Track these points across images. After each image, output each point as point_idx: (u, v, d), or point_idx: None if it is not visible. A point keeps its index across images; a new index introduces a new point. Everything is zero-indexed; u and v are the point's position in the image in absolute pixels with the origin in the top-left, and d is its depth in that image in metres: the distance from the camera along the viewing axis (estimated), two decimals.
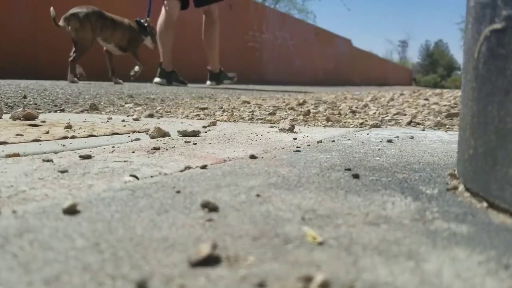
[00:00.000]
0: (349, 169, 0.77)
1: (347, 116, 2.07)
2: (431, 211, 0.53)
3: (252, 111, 2.26)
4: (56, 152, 0.92)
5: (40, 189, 0.60)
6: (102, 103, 2.52)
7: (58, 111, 2.13)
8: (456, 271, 0.36)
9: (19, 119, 1.48)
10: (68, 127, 1.31)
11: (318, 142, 1.15)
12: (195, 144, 1.09)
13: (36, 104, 2.28)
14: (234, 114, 2.11)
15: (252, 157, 0.89)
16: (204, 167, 0.78)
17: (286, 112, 2.26)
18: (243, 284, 0.33)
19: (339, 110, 2.34)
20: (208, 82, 4.88)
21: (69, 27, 3.96)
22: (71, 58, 4.01)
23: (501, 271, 0.36)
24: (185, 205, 0.53)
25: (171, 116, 2.04)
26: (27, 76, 4.09)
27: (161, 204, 0.53)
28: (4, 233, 0.42)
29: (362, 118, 1.96)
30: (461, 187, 0.62)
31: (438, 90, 6.37)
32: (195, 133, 1.27)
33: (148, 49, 5.07)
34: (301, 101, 2.97)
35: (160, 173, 0.73)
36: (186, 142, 1.12)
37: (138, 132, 1.33)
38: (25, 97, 2.43)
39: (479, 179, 0.56)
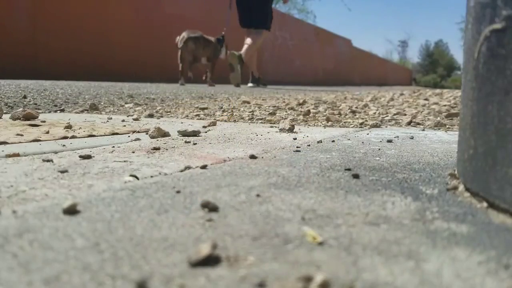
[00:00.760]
0: (349, 169, 0.77)
1: (347, 116, 2.07)
2: (431, 211, 0.53)
3: (252, 111, 2.26)
4: (56, 152, 0.92)
5: (40, 189, 0.60)
6: (102, 103, 2.52)
7: (58, 111, 2.13)
8: (456, 271, 0.36)
9: (19, 119, 1.48)
10: (68, 127, 1.31)
11: (318, 142, 1.15)
12: (195, 144, 1.09)
13: (36, 104, 2.28)
14: (234, 114, 2.11)
15: (252, 157, 0.89)
16: (204, 167, 0.78)
17: (286, 112, 2.26)
18: (243, 284, 0.33)
19: (339, 110, 2.34)
20: (249, 84, 6.04)
21: (187, 47, 5.44)
22: (180, 68, 5.56)
23: (501, 271, 0.36)
24: (185, 205, 0.53)
25: (171, 116, 2.04)
26: (27, 76, 4.10)
27: (161, 204, 0.53)
28: (4, 233, 0.42)
29: (362, 118, 1.96)
30: (461, 187, 0.62)
31: (438, 90, 6.37)
32: (195, 133, 1.27)
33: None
34: (301, 101, 2.97)
35: (160, 173, 0.73)
36: (186, 142, 1.12)
37: (138, 132, 1.33)
38: (25, 97, 2.43)
39: (479, 179, 0.56)
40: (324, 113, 2.14)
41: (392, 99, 3.45)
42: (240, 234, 0.43)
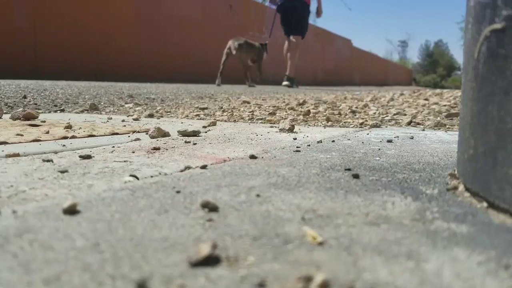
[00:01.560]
0: (349, 169, 0.77)
1: (347, 116, 2.07)
2: (431, 211, 0.53)
3: (252, 111, 2.26)
4: (56, 152, 0.92)
5: (40, 189, 0.60)
6: (102, 103, 2.52)
7: (58, 111, 2.13)
8: (456, 271, 0.36)
9: (19, 119, 1.48)
10: (68, 127, 1.31)
11: (318, 142, 1.15)
12: (195, 144, 1.09)
13: (36, 104, 2.28)
14: (234, 114, 2.11)
15: (252, 157, 0.89)
16: (204, 167, 0.77)
17: (286, 112, 2.26)
18: (243, 284, 0.33)
19: (339, 110, 2.34)
20: (284, 83, 6.57)
21: (239, 53, 6.19)
22: (220, 70, 6.27)
23: (501, 271, 0.36)
24: (185, 205, 0.53)
25: (171, 116, 2.04)
26: (27, 76, 4.10)
27: (161, 204, 0.53)
28: (4, 233, 0.42)
29: (362, 118, 1.96)
30: (461, 187, 0.62)
31: (438, 90, 6.36)
32: (195, 133, 1.27)
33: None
34: (301, 101, 2.97)
35: (160, 173, 0.73)
36: (186, 142, 1.12)
37: (138, 132, 1.33)
38: (25, 97, 2.43)
39: (479, 179, 0.56)
40: (324, 113, 2.14)
41: (392, 99, 3.45)
42: (240, 234, 0.43)
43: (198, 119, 1.92)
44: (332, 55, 14.50)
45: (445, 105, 2.70)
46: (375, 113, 2.23)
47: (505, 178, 0.51)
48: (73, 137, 1.16)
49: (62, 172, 0.71)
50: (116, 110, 2.27)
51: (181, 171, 0.75)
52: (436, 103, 2.90)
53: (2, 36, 5.26)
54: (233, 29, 9.65)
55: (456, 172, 0.70)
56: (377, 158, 0.90)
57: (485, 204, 0.54)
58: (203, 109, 2.36)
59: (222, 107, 2.49)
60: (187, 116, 2.03)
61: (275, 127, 1.58)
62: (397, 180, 0.69)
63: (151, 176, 0.70)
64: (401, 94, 4.40)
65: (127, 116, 1.90)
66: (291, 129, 1.41)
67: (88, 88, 3.17)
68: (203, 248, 0.37)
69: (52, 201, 0.54)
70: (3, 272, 0.33)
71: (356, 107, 2.56)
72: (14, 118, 1.48)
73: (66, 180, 0.66)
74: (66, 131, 1.26)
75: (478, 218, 0.50)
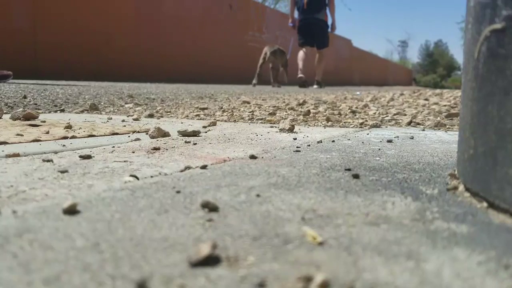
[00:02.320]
0: (349, 169, 0.77)
1: (347, 116, 2.07)
2: (431, 211, 0.53)
3: (252, 111, 2.26)
4: (56, 152, 0.92)
5: (40, 189, 0.60)
6: (102, 103, 2.52)
7: (58, 111, 2.13)
8: (456, 271, 0.36)
9: (19, 119, 1.48)
10: (68, 127, 1.31)
11: (318, 142, 1.15)
12: (195, 144, 1.09)
13: (36, 104, 2.28)
14: (234, 114, 2.11)
15: (252, 157, 0.89)
16: (204, 167, 0.78)
17: (286, 112, 2.26)
18: (243, 284, 0.33)
19: (339, 110, 2.34)
20: (315, 86, 7.35)
21: (274, 58, 7.18)
22: (272, 78, 7.46)
23: (501, 271, 0.36)
24: (185, 205, 0.53)
25: (171, 116, 2.04)
26: (27, 76, 4.10)
27: (161, 204, 0.53)
28: (4, 233, 0.42)
29: (362, 118, 1.96)
30: (461, 187, 0.62)
31: (438, 90, 6.36)
32: (195, 133, 1.27)
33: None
34: (301, 101, 2.97)
35: (160, 173, 0.73)
36: (186, 142, 1.12)
37: (138, 132, 1.33)
38: (25, 97, 2.43)
39: (479, 179, 0.56)
40: (324, 113, 2.14)
41: (392, 99, 3.45)
42: (240, 234, 0.43)
43: (198, 119, 1.92)
44: (332, 55, 14.50)
45: (445, 105, 2.70)
46: (375, 113, 2.23)
47: (505, 178, 0.51)
48: (73, 137, 1.16)
49: (62, 172, 0.71)
50: (116, 110, 2.27)
51: (181, 171, 0.75)
52: (436, 103, 2.90)
53: (2, 36, 5.26)
54: (233, 29, 9.64)
55: (456, 172, 0.70)
56: (377, 158, 0.90)
57: (485, 204, 0.54)
58: (203, 109, 2.36)
59: (222, 107, 2.49)
60: (187, 116, 2.03)
61: (275, 127, 1.58)
62: (397, 180, 0.69)
63: (151, 176, 0.70)
64: (401, 94, 4.40)
65: (127, 116, 1.90)
66: (291, 129, 1.41)
67: (88, 88, 3.17)
68: (203, 248, 0.37)
69: (52, 201, 0.54)
70: (3, 272, 0.33)
71: (356, 107, 2.56)
72: (14, 118, 1.48)
73: (66, 180, 0.66)
74: (66, 131, 1.26)
75: (478, 218, 0.50)
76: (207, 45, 8.68)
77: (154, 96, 3.09)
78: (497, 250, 0.40)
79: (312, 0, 6.55)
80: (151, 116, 1.95)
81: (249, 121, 1.83)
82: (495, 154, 0.52)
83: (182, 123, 1.71)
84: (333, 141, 1.18)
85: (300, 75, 7.02)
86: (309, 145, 1.08)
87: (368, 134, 1.39)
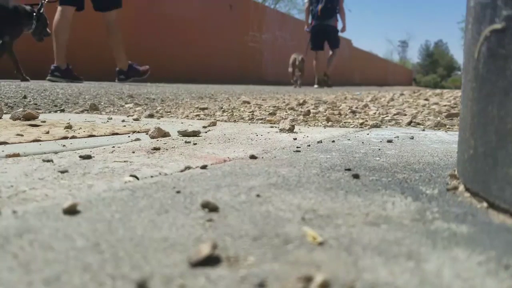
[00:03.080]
0: (349, 169, 0.77)
1: (347, 116, 2.07)
2: (431, 211, 0.53)
3: (252, 111, 2.26)
4: (56, 152, 0.92)
5: (40, 189, 0.60)
6: (102, 103, 2.52)
7: (58, 111, 2.13)
8: (456, 271, 0.36)
9: (19, 119, 1.48)
10: (68, 127, 1.31)
11: (318, 142, 1.15)
12: (195, 144, 1.09)
13: (36, 104, 2.28)
14: (234, 114, 2.11)
15: (252, 157, 0.89)
16: (204, 167, 0.78)
17: (286, 112, 2.26)
18: (243, 284, 0.33)
19: (339, 110, 2.34)
20: (324, 77, 8.31)
21: (301, 64, 7.94)
22: (295, 79, 8.20)
23: (501, 271, 0.36)
24: (185, 205, 0.53)
25: (171, 116, 2.04)
26: (27, 76, 4.10)
27: (161, 204, 0.53)
28: (4, 233, 0.42)
29: (362, 118, 1.96)
30: (461, 187, 0.62)
31: (438, 90, 6.37)
32: (195, 133, 1.27)
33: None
34: (301, 101, 2.97)
35: (160, 173, 0.73)
36: (186, 142, 1.12)
37: (138, 132, 1.33)
38: (25, 97, 2.43)
39: (479, 179, 0.56)
40: (324, 113, 2.14)
41: (392, 99, 3.45)
42: (240, 234, 0.43)
43: (198, 119, 1.92)
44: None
45: (445, 105, 2.70)
46: (375, 113, 2.23)
47: (505, 178, 0.51)
48: (73, 137, 1.16)
49: (62, 172, 0.71)
50: (116, 110, 2.27)
51: (181, 171, 0.75)
52: (436, 103, 2.90)
53: None
54: (233, 29, 9.65)
55: (456, 172, 0.70)
56: (377, 158, 0.90)
57: (485, 204, 0.54)
58: (203, 109, 2.36)
59: (222, 107, 2.49)
60: (187, 116, 2.03)
61: (275, 127, 1.58)
62: (397, 180, 0.69)
63: (151, 176, 0.70)
64: (401, 94, 4.40)
65: (127, 116, 1.90)
66: (291, 129, 1.41)
67: (88, 88, 3.17)
68: (203, 248, 0.37)
69: (52, 201, 0.54)
70: (3, 272, 0.33)
71: (356, 107, 2.56)
72: (14, 118, 1.48)
73: (66, 180, 0.66)
74: (66, 131, 1.26)
75: (478, 218, 0.50)
76: (207, 45, 8.68)
77: (154, 96, 3.09)
78: (497, 250, 0.40)
79: (325, 8, 7.59)
80: (151, 116, 1.95)
81: (249, 121, 1.83)
82: (495, 154, 0.52)
83: (182, 123, 1.71)
84: (333, 141, 1.18)
85: (318, 76, 8.40)
86: (309, 145, 1.08)
87: (368, 134, 1.39)
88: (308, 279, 0.32)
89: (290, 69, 8.26)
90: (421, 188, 0.65)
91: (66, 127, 1.31)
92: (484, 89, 0.55)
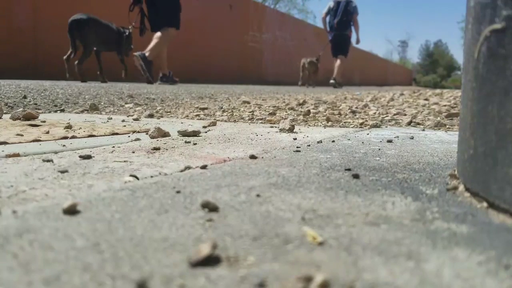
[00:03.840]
0: (349, 169, 0.77)
1: (347, 116, 2.07)
2: (431, 211, 0.53)
3: (252, 111, 2.26)
4: (56, 152, 0.92)
5: (40, 189, 0.60)
6: (102, 103, 2.52)
7: (58, 111, 2.13)
8: (456, 271, 0.36)
9: (19, 119, 1.48)
10: (68, 127, 1.31)
11: (318, 142, 1.15)
12: (195, 144, 1.09)
13: (36, 104, 2.28)
14: (234, 114, 2.11)
15: (252, 157, 0.89)
16: (204, 167, 0.78)
17: (286, 112, 2.26)
18: (243, 284, 0.33)
19: (339, 110, 2.34)
20: (331, 81, 8.96)
21: (309, 67, 8.94)
22: (302, 82, 9.16)
23: (501, 271, 0.36)
24: (185, 205, 0.53)
25: (171, 116, 2.04)
26: (27, 76, 4.10)
27: (161, 204, 0.53)
28: (4, 233, 0.42)
29: (362, 118, 1.96)
30: (461, 187, 0.62)
31: (438, 90, 6.37)
32: (195, 133, 1.27)
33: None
34: (301, 101, 2.97)
35: (160, 173, 0.73)
36: (186, 142, 1.12)
37: (138, 132, 1.33)
38: (25, 97, 2.43)
39: (479, 179, 0.56)
40: (324, 113, 2.14)
41: (392, 99, 3.45)
42: (240, 234, 0.43)
43: (198, 119, 1.92)
44: (332, 55, 14.49)
45: (445, 105, 2.70)
46: (375, 113, 2.23)
47: (505, 178, 0.51)
48: (73, 137, 1.16)
49: (62, 172, 0.71)
50: (116, 110, 2.27)
51: (181, 171, 0.75)
52: (436, 103, 2.90)
53: (2, 36, 5.26)
54: (233, 29, 9.65)
55: (456, 172, 0.70)
56: (377, 158, 0.90)
57: (485, 204, 0.54)
58: (203, 109, 2.36)
59: (222, 107, 2.49)
60: (187, 116, 2.03)
61: (275, 127, 1.58)
62: (397, 180, 0.69)
63: (151, 176, 0.70)
64: (401, 94, 4.40)
65: (127, 116, 1.90)
66: (291, 129, 1.41)
67: (88, 88, 3.17)
68: (203, 248, 0.37)
69: (52, 201, 0.54)
70: (3, 272, 0.33)
71: (356, 107, 2.56)
72: (14, 118, 1.48)
73: (66, 180, 0.66)
74: (66, 131, 1.26)
75: (478, 218, 0.50)
76: (207, 45, 8.68)
77: (154, 96, 3.09)
78: (497, 250, 0.40)
79: (340, 21, 8.70)
80: (151, 116, 1.95)
81: (249, 121, 1.83)
82: (495, 154, 0.52)
83: (182, 123, 1.71)
84: (333, 141, 1.18)
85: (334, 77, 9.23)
86: (309, 145, 1.08)
87: (368, 134, 1.39)
88: (308, 279, 0.32)
89: (300, 73, 9.30)
90: (421, 188, 0.65)
91: (66, 127, 1.31)
92: (484, 89, 0.55)
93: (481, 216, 0.51)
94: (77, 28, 4.67)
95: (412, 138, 1.28)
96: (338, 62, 9.10)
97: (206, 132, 1.38)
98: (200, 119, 1.92)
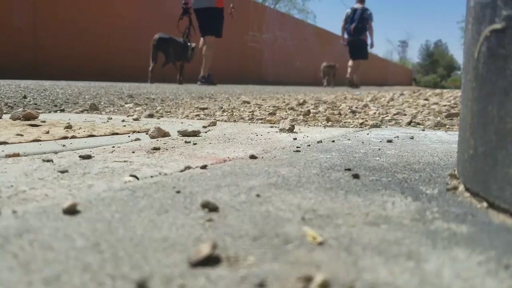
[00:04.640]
0: (349, 169, 0.77)
1: (347, 116, 2.07)
2: (431, 211, 0.53)
3: (252, 111, 2.26)
4: (56, 152, 0.92)
5: (40, 189, 0.60)
6: (102, 103, 2.52)
7: (58, 111, 2.13)
8: (456, 271, 0.36)
9: (19, 119, 1.48)
10: (68, 127, 1.31)
11: (318, 142, 1.15)
12: (195, 144, 1.09)
13: (36, 104, 2.28)
14: (234, 114, 2.11)
15: (252, 157, 0.89)
16: (204, 167, 0.78)
17: (286, 112, 2.26)
18: (243, 284, 0.33)
19: (339, 110, 2.34)
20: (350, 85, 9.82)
21: (328, 70, 10.88)
22: (327, 84, 10.86)
23: (501, 271, 0.36)
24: (185, 205, 0.53)
25: (171, 116, 2.04)
26: (27, 76, 4.10)
27: (161, 204, 0.53)
28: (4, 233, 0.42)
29: (362, 118, 1.96)
30: (461, 187, 0.62)
31: (438, 90, 6.37)
32: (195, 133, 1.27)
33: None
34: (301, 101, 2.97)
35: (160, 173, 0.73)
36: (186, 142, 1.12)
37: (138, 132, 1.33)
38: (25, 97, 2.43)
39: (479, 179, 0.56)
40: (324, 113, 2.14)
41: (392, 99, 3.45)
42: (240, 234, 0.43)
43: (198, 119, 1.92)
44: (332, 55, 14.50)
45: (445, 105, 2.70)
46: (375, 113, 2.23)
47: (505, 178, 0.51)
48: (73, 137, 1.16)
49: (62, 172, 0.71)
50: (116, 110, 2.27)
51: (181, 171, 0.75)
52: (436, 103, 2.90)
53: (2, 36, 5.26)
54: (233, 29, 9.65)
55: (456, 172, 0.70)
56: (377, 158, 0.90)
57: (485, 204, 0.54)
58: (203, 109, 2.36)
59: (222, 107, 2.49)
60: (187, 116, 2.03)
61: (275, 127, 1.58)
62: (397, 180, 0.69)
63: (151, 176, 0.70)
64: (401, 94, 4.40)
65: (127, 116, 1.90)
66: (291, 129, 1.41)
67: (88, 88, 3.17)
68: (203, 248, 0.37)
69: (52, 201, 0.54)
70: (3, 272, 0.33)
71: (356, 107, 2.56)
72: (14, 118, 1.48)
73: (66, 180, 0.66)
74: (66, 131, 1.26)
75: (478, 218, 0.50)
76: None
77: (154, 96, 3.09)
78: (497, 250, 0.40)
79: (356, 27, 9.43)
80: (151, 116, 1.95)
81: (249, 121, 1.83)
82: (495, 154, 0.52)
83: (182, 123, 1.71)
84: (333, 141, 1.18)
85: (347, 76, 9.96)
86: (309, 145, 1.08)
87: (368, 134, 1.39)
88: (308, 279, 0.32)
89: (321, 75, 10.96)
90: (421, 188, 0.65)
91: (66, 127, 1.31)
92: (484, 89, 0.55)
93: (481, 216, 0.51)
94: (162, 44, 5.99)
95: (412, 138, 1.28)
96: (350, 61, 9.91)
97: (206, 132, 1.38)
98: (200, 119, 1.92)
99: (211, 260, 0.36)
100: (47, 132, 1.19)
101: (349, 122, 1.81)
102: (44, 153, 0.91)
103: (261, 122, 1.79)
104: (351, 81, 9.88)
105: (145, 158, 0.88)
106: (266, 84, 9.30)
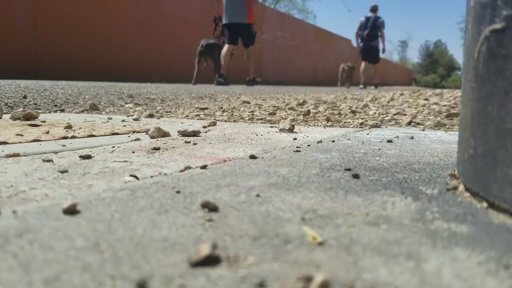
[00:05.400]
0: (349, 169, 0.77)
1: (347, 116, 2.07)
2: (431, 211, 0.53)
3: (252, 111, 2.26)
4: (56, 152, 0.92)
5: (40, 189, 0.60)
6: (102, 103, 2.52)
7: (58, 111, 2.13)
8: (456, 271, 0.36)
9: (19, 119, 1.48)
10: (68, 127, 1.31)
11: (318, 142, 1.15)
12: (195, 144, 1.09)
13: (36, 104, 2.28)
14: (234, 114, 2.11)
15: (252, 157, 0.89)
16: (204, 167, 0.78)
17: (286, 112, 2.26)
18: (243, 284, 0.33)
19: (339, 110, 2.34)
20: (372, 88, 10.14)
21: (348, 69, 11.79)
22: (347, 84, 11.30)
23: (501, 271, 0.36)
24: (185, 205, 0.53)
25: (171, 116, 2.04)
26: (27, 76, 4.10)
27: (161, 204, 0.53)
28: (4, 233, 0.42)
29: (362, 118, 1.96)
30: (461, 187, 0.62)
31: (438, 90, 6.37)
32: (195, 133, 1.27)
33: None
34: (301, 101, 2.97)
35: (160, 173, 0.73)
36: (186, 142, 1.12)
37: (138, 132, 1.33)
38: (25, 97, 2.43)
39: (479, 179, 0.56)
40: (324, 113, 2.14)
41: (392, 99, 3.45)
42: (240, 234, 0.43)
43: (198, 119, 1.92)
44: (332, 55, 14.50)
45: (445, 105, 2.70)
46: (375, 113, 2.23)
47: (505, 178, 0.51)
48: (73, 137, 1.16)
49: (62, 172, 0.71)
50: (116, 110, 2.27)
51: (181, 171, 0.75)
52: (436, 103, 2.90)
53: (2, 36, 5.26)
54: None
55: (456, 172, 0.70)
56: (377, 158, 0.90)
57: (485, 204, 0.54)
58: (203, 109, 2.36)
59: (222, 107, 2.49)
60: (187, 116, 2.03)
61: (275, 127, 1.58)
62: (397, 180, 0.69)
63: (151, 176, 0.70)
64: (401, 94, 4.40)
65: (127, 116, 1.90)
66: (291, 129, 1.41)
67: (88, 88, 3.17)
68: (203, 248, 0.37)
69: (52, 201, 0.54)
70: (3, 272, 0.33)
71: (356, 107, 2.56)
72: (14, 118, 1.48)
73: (66, 180, 0.66)
74: (66, 131, 1.26)
75: (478, 218, 0.50)
76: None
77: (154, 96, 3.09)
78: (497, 250, 0.40)
79: (369, 34, 10.22)
80: (151, 116, 1.95)
81: (249, 121, 1.83)
82: (495, 154, 0.52)
83: (182, 123, 1.71)
84: (333, 141, 1.18)
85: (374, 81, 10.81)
86: (309, 145, 1.08)
87: (368, 134, 1.39)
88: (308, 279, 0.32)
89: (339, 76, 11.74)
90: (421, 188, 0.65)
91: (66, 127, 1.31)
92: (484, 89, 0.55)
93: (481, 216, 0.51)
94: (209, 49, 6.99)
95: (412, 138, 1.28)
96: (363, 66, 10.82)
97: (206, 132, 1.38)
98: (200, 119, 1.92)
99: (211, 260, 0.36)
100: (47, 132, 1.19)
101: (349, 122, 1.81)
102: (44, 153, 0.91)
103: (261, 122, 1.79)
104: (377, 84, 10.85)
105: (145, 158, 0.88)
106: (266, 84, 9.30)
